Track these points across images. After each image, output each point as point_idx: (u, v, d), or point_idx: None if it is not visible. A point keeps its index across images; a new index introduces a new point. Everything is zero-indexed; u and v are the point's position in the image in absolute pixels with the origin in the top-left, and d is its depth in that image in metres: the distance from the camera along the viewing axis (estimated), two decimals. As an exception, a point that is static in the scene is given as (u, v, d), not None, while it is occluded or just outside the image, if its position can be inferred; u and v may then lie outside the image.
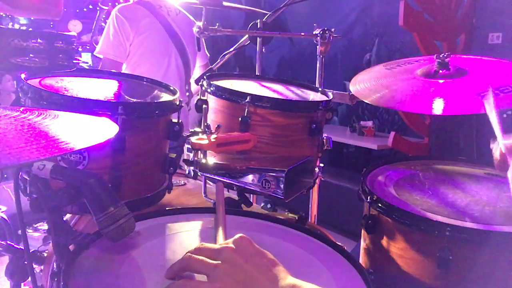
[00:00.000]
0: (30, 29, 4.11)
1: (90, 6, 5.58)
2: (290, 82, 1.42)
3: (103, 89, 1.16)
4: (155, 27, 2.54)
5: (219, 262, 0.64)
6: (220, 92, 1.14)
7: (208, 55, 2.90)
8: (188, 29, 2.65)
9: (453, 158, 1.36)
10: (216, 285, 0.62)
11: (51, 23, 4.99)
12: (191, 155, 1.09)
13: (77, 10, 5.59)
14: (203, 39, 1.81)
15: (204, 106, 1.16)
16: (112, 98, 1.10)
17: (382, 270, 1.02)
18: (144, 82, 1.27)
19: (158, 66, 2.55)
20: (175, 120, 1.09)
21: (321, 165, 1.32)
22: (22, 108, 0.69)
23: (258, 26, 1.76)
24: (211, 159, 1.08)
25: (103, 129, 0.69)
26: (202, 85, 1.20)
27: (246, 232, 0.70)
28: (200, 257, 0.65)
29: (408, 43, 4.07)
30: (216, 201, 0.97)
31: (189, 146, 1.07)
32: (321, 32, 1.63)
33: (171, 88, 1.19)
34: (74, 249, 0.75)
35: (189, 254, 0.67)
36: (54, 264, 0.74)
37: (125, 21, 2.47)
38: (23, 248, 0.81)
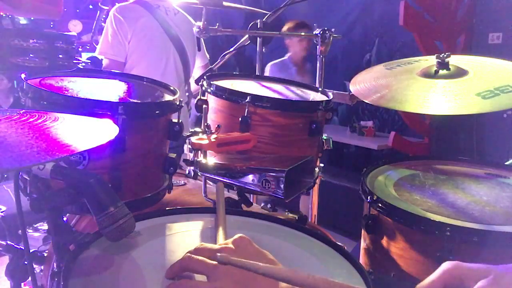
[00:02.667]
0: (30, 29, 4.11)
1: (90, 6, 5.59)
2: (290, 82, 1.42)
3: (103, 89, 1.16)
4: (153, 26, 2.54)
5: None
6: (220, 92, 1.14)
7: (208, 56, 2.90)
8: (187, 29, 2.65)
9: (453, 158, 1.36)
10: (215, 285, 0.62)
11: (51, 23, 4.99)
12: (191, 155, 1.09)
13: (77, 10, 5.59)
14: (202, 39, 1.81)
15: (204, 106, 1.16)
16: (113, 98, 1.10)
17: (382, 270, 1.02)
18: (145, 82, 1.27)
19: (156, 65, 2.55)
20: (175, 120, 1.09)
21: (321, 165, 1.32)
22: (23, 110, 0.69)
23: (258, 26, 1.76)
24: (211, 159, 1.08)
25: (103, 130, 0.69)
26: (202, 85, 1.20)
27: (246, 232, 0.70)
28: (200, 258, 0.65)
29: (408, 43, 4.07)
30: (216, 201, 0.97)
31: (190, 146, 1.07)
32: (321, 32, 1.63)
33: (171, 88, 1.19)
34: (74, 249, 0.75)
35: (188, 254, 0.67)
36: (54, 264, 0.74)
37: (123, 20, 2.47)
38: (23, 248, 0.81)
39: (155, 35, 2.54)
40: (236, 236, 0.68)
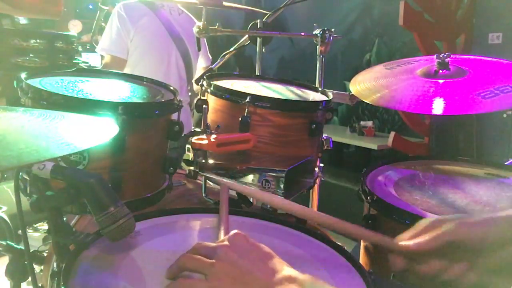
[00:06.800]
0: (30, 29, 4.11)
1: (90, 6, 5.58)
2: (290, 82, 1.42)
3: (104, 89, 1.16)
4: (155, 26, 2.54)
5: (215, 260, 0.64)
6: (220, 92, 1.14)
7: (211, 57, 2.89)
8: (191, 29, 2.64)
9: (453, 158, 1.36)
10: (213, 284, 0.62)
11: (51, 23, 4.99)
12: (191, 155, 1.09)
13: (77, 10, 5.59)
14: (205, 40, 1.80)
15: (204, 106, 1.16)
16: (113, 98, 1.10)
17: (382, 270, 1.02)
18: (144, 82, 1.27)
19: (158, 65, 2.54)
20: (175, 120, 1.09)
21: (321, 165, 1.32)
22: (22, 109, 0.69)
23: (258, 26, 1.76)
24: (211, 159, 1.08)
25: (103, 130, 0.69)
26: (202, 85, 1.20)
27: (246, 232, 0.70)
28: (197, 257, 0.65)
29: (408, 43, 4.07)
30: (220, 201, 0.96)
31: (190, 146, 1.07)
32: (321, 32, 1.63)
33: (171, 88, 1.19)
34: (74, 249, 0.75)
35: (185, 254, 0.67)
36: (54, 264, 0.74)
37: (126, 18, 2.47)
38: (23, 248, 0.81)
39: (157, 35, 2.54)
40: (231, 233, 0.68)
